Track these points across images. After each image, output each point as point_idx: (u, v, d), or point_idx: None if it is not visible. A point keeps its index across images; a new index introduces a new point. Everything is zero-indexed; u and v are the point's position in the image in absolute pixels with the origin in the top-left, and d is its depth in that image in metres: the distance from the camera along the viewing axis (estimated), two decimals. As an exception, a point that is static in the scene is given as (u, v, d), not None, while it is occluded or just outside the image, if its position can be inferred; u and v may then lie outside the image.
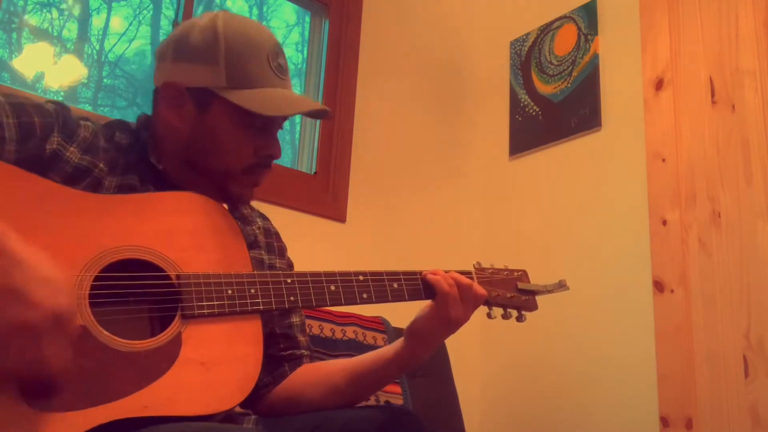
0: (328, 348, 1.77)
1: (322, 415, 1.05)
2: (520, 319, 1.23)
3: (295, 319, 1.26)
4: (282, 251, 1.31)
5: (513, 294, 1.22)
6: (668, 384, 1.93)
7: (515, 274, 1.25)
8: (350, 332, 1.86)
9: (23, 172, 0.93)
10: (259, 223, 1.29)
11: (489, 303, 1.21)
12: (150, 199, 1.03)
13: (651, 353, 1.99)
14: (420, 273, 1.15)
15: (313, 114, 1.19)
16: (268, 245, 1.28)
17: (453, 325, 1.13)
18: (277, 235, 1.32)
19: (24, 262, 0.77)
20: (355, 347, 1.83)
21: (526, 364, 2.34)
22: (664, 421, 1.92)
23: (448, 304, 1.11)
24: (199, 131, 1.10)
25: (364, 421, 1.00)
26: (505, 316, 1.22)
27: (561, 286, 1.22)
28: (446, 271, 1.15)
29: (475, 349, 2.49)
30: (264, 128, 1.12)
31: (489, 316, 1.22)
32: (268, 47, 1.12)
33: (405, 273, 1.14)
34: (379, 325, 1.95)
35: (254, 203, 1.32)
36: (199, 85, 1.09)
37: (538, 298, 1.25)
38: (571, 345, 2.21)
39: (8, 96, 0.99)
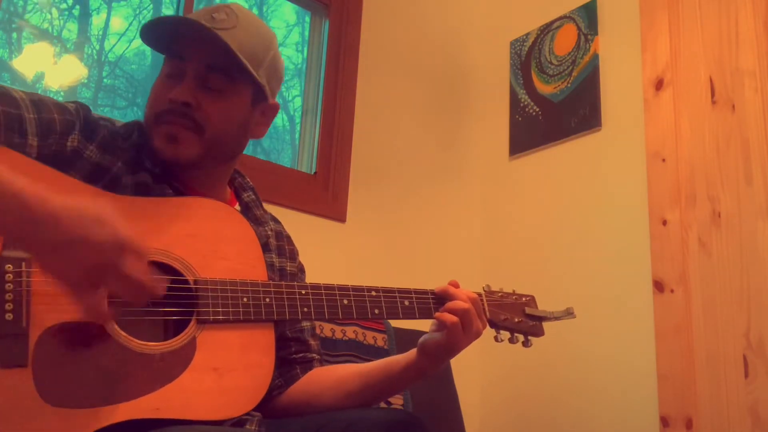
0: (328, 348, 1.77)
1: (325, 417, 1.05)
2: (526, 344, 1.24)
3: (306, 324, 1.27)
4: (293, 255, 1.32)
5: (521, 319, 1.23)
6: (668, 384, 1.93)
7: (524, 299, 1.26)
8: (350, 332, 1.86)
9: (49, 168, 0.94)
10: (272, 225, 1.29)
11: (497, 326, 1.22)
12: (171, 203, 1.05)
13: (651, 353, 1.99)
14: (431, 292, 1.17)
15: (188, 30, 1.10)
16: (279, 248, 1.28)
17: (462, 347, 1.15)
18: (288, 238, 1.33)
19: (65, 211, 0.79)
20: (355, 347, 1.83)
21: (526, 364, 2.34)
22: (664, 421, 1.92)
23: (458, 335, 1.12)
24: None
25: (367, 423, 1.00)
26: (512, 340, 1.23)
27: (569, 313, 1.23)
28: (456, 288, 1.16)
29: (475, 349, 2.49)
30: (178, 76, 1.10)
31: (496, 339, 1.23)
32: (213, 8, 1.13)
33: (416, 291, 1.16)
34: (379, 325, 1.95)
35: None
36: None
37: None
38: (571, 345, 2.21)
39: (28, 93, 1.00)
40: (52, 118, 0.99)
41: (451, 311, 1.12)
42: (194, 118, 1.09)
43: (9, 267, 0.87)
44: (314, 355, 1.27)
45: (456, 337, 1.12)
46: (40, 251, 0.79)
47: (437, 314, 1.13)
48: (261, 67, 1.14)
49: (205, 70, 1.09)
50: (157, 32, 1.09)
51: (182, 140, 1.08)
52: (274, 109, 1.22)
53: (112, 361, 0.90)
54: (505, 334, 1.23)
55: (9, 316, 0.85)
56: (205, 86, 1.10)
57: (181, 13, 2.17)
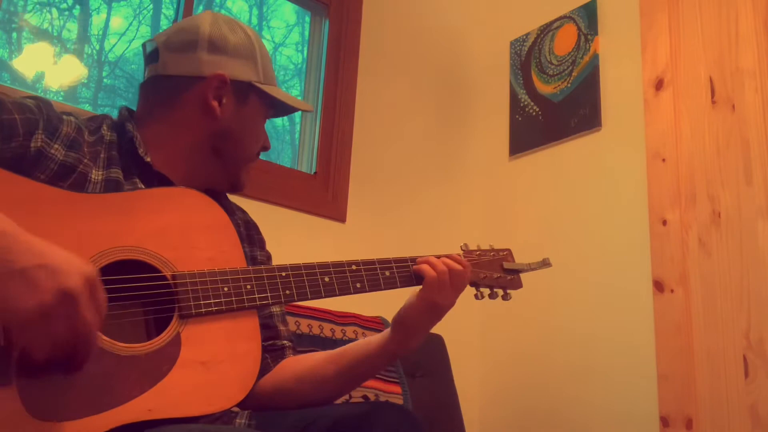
0: (328, 348, 1.76)
1: (315, 412, 1.05)
2: (505, 297, 1.26)
3: (276, 309, 1.26)
4: (262, 243, 1.32)
5: (499, 274, 1.25)
6: (668, 384, 1.93)
7: (501, 254, 1.28)
8: (350, 332, 1.86)
9: (10, 174, 0.91)
10: (239, 215, 1.30)
11: (477, 284, 1.23)
12: (141, 196, 1.02)
13: (651, 353, 1.99)
14: (411, 260, 1.18)
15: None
16: (249, 237, 1.28)
17: (438, 310, 1.14)
18: (256, 227, 1.33)
19: (35, 242, 0.77)
20: (355, 347, 1.83)
21: (526, 364, 2.34)
22: (664, 421, 1.92)
23: (433, 288, 1.12)
24: (235, 120, 1.18)
25: (358, 417, 1.00)
26: (492, 296, 1.25)
27: (544, 263, 1.26)
28: (437, 257, 1.17)
29: (474, 349, 2.49)
30: (264, 122, 1.26)
31: (477, 297, 1.24)
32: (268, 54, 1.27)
33: (396, 260, 1.17)
34: (378, 324, 1.95)
35: (232, 198, 1.33)
36: (244, 79, 1.18)
37: (523, 276, 1.27)
38: (571, 344, 2.21)
39: None
40: (13, 119, 0.96)
41: (432, 264, 1.15)
42: None
43: None
44: (285, 342, 1.25)
45: (442, 289, 1.12)
46: None
47: (417, 266, 1.15)
48: None
49: None
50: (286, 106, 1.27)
51: None
52: None
53: (97, 367, 0.88)
54: (485, 290, 1.24)
55: None
56: None
57: (181, 12, 2.17)
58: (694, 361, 1.89)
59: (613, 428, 2.04)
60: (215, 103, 1.15)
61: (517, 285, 1.27)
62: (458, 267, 1.15)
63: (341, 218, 2.28)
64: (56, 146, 1.01)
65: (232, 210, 1.27)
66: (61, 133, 1.03)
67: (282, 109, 1.29)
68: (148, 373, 0.91)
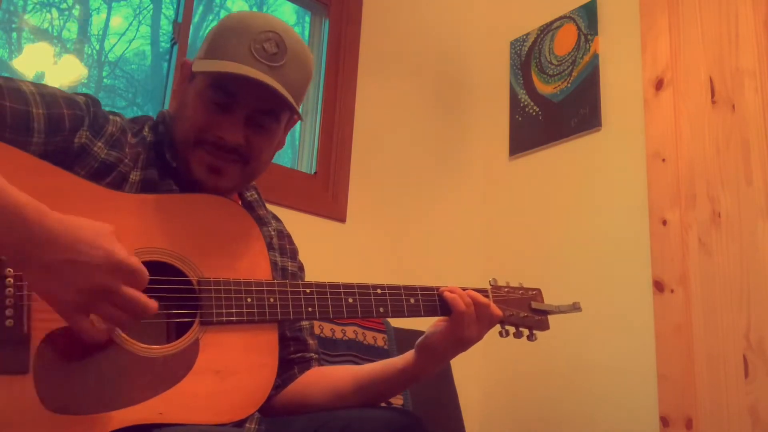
0: (328, 348, 1.77)
1: (324, 416, 1.05)
2: (531, 338, 1.24)
3: (305, 324, 1.27)
4: (294, 254, 1.32)
5: (527, 314, 1.23)
6: (668, 384, 1.93)
7: (530, 293, 1.26)
8: (350, 332, 1.86)
9: (51, 167, 0.93)
10: (274, 224, 1.30)
11: (503, 322, 1.22)
12: (175, 200, 1.04)
13: (651, 353, 1.99)
14: (437, 289, 1.15)
15: (266, 99, 1.09)
16: (281, 247, 1.29)
17: (466, 343, 1.14)
18: (289, 237, 1.33)
19: (62, 230, 0.79)
20: (355, 347, 1.83)
21: (526, 363, 2.34)
22: (664, 421, 1.92)
23: (463, 323, 1.11)
24: (179, 101, 1.15)
25: (365, 421, 1.00)
26: (517, 335, 1.23)
27: (575, 308, 1.23)
28: (464, 289, 1.15)
29: (475, 349, 2.49)
30: (226, 108, 1.08)
31: (502, 334, 1.22)
32: (257, 31, 1.08)
33: (422, 288, 1.15)
34: (379, 325, 1.95)
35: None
36: (192, 60, 1.15)
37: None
38: (571, 345, 2.21)
39: (40, 86, 0.99)
40: (62, 114, 0.98)
41: (462, 298, 1.12)
42: (241, 153, 1.10)
43: (9, 271, 0.85)
44: (312, 354, 1.27)
45: (470, 324, 1.11)
46: (32, 271, 0.79)
47: (449, 296, 1.12)
48: (303, 96, 1.16)
49: (255, 111, 1.10)
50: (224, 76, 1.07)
51: (226, 173, 1.10)
52: (295, 122, 1.23)
53: (114, 365, 0.89)
54: (511, 328, 1.23)
55: (9, 322, 0.84)
56: (253, 123, 1.10)
57: (181, 12, 2.17)
58: (694, 362, 1.89)
59: (613, 428, 2.04)
60: (175, 89, 1.18)
61: (544, 326, 1.25)
62: (484, 300, 1.14)
63: (341, 218, 2.28)
64: (99, 144, 1.03)
65: (267, 220, 1.27)
66: (105, 132, 1.04)
67: (231, 85, 1.08)
68: (163, 376, 0.92)
